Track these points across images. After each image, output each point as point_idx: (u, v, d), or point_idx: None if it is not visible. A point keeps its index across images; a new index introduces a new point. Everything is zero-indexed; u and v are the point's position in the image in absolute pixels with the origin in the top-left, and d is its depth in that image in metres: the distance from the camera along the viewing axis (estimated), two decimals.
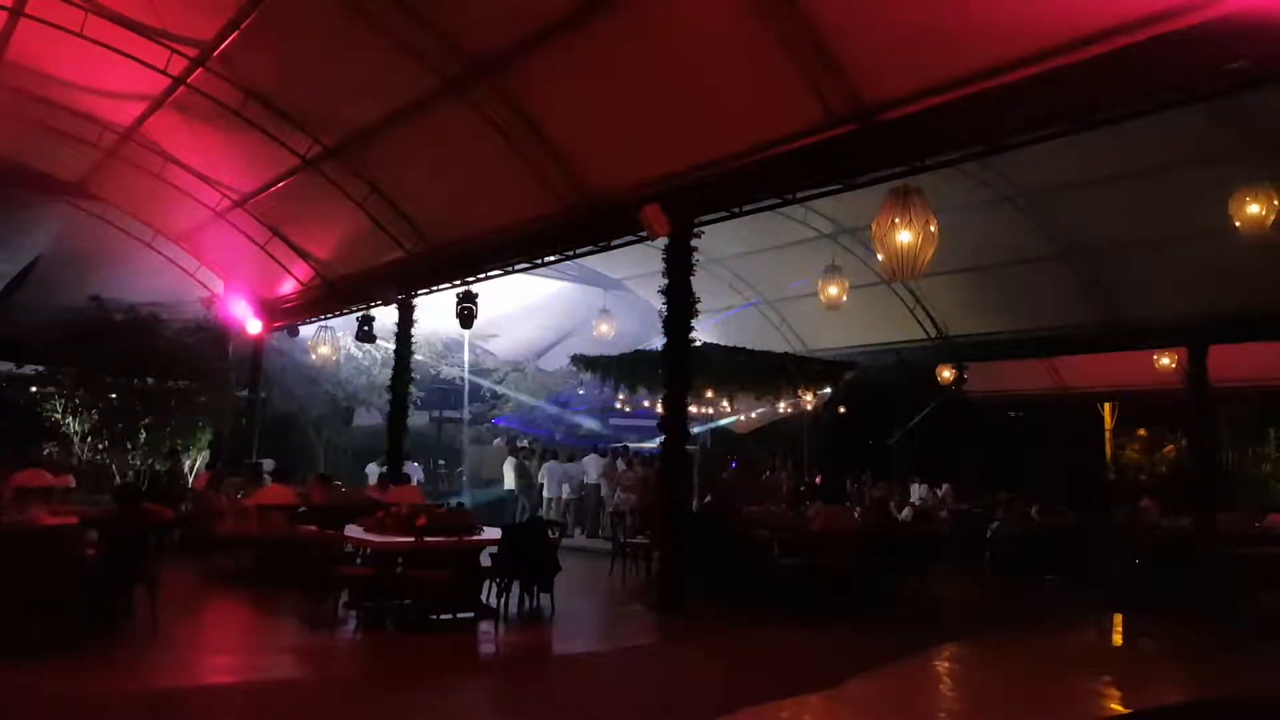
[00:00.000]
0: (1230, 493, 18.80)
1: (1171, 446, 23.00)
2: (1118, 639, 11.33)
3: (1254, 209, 10.72)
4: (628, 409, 19.39)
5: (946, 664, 9.18)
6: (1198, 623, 11.26)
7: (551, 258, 14.28)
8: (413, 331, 16.99)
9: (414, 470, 15.35)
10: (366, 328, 18.27)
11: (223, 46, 12.70)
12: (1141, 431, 23.78)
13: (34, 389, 19.45)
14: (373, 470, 19.09)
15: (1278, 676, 8.79)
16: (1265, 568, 12.84)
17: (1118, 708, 7.83)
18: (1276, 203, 10.72)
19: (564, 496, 19.70)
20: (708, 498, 14.96)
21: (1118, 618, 12.00)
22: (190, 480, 17.67)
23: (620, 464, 19.77)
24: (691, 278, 11.44)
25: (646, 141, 11.56)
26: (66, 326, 18.33)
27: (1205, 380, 15.75)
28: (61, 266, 19.22)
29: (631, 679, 8.29)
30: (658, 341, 11.89)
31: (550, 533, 10.64)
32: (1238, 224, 10.89)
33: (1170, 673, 9.32)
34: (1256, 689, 8.14)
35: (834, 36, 9.07)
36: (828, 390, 19.30)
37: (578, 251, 13.74)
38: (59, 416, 18.44)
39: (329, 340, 19.65)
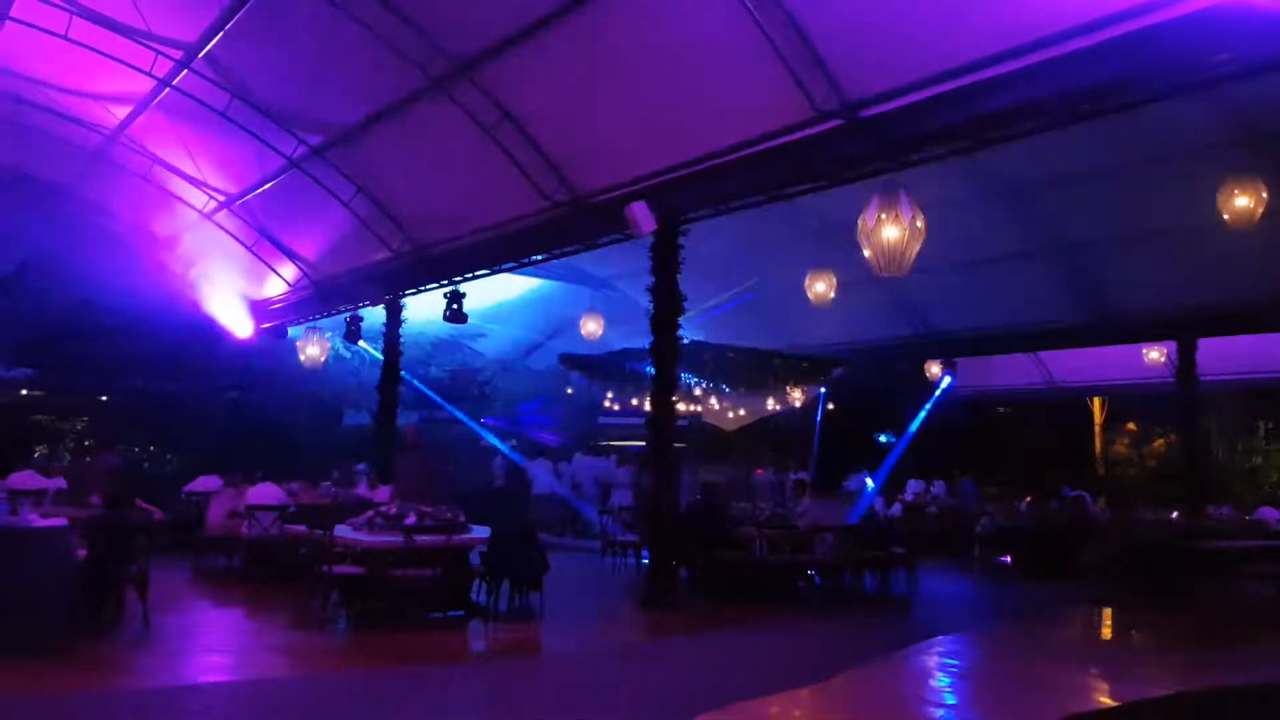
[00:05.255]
0: (1220, 486, 18.87)
1: (1160, 441, 23.07)
2: (1105, 632, 11.37)
3: (1242, 201, 10.71)
4: (616, 407, 19.38)
5: (935, 658, 9.20)
6: (1185, 615, 11.31)
7: (539, 257, 14.28)
8: (400, 331, 16.98)
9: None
10: (354, 328, 18.24)
11: (208, 48, 12.69)
12: (1130, 426, 23.85)
13: (23, 391, 19.40)
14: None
15: (1263, 669, 8.82)
16: (1253, 561, 12.90)
17: (1105, 700, 7.85)
18: (1265, 195, 10.74)
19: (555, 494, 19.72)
20: (697, 495, 14.96)
21: (1105, 611, 12.04)
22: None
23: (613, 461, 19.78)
24: (678, 275, 11.45)
25: (632, 139, 11.54)
26: (55, 329, 18.29)
27: (1194, 374, 15.80)
28: (49, 269, 19.15)
29: (621, 675, 8.29)
30: (645, 340, 11.89)
31: (539, 531, 10.65)
32: (1226, 217, 10.91)
33: (1157, 665, 9.35)
34: (1242, 681, 8.17)
35: (819, 31, 9.09)
36: (818, 387, 19.36)
37: (565, 250, 13.74)
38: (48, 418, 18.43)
39: (317, 341, 19.60)
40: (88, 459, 17.18)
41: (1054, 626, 11.42)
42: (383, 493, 12.59)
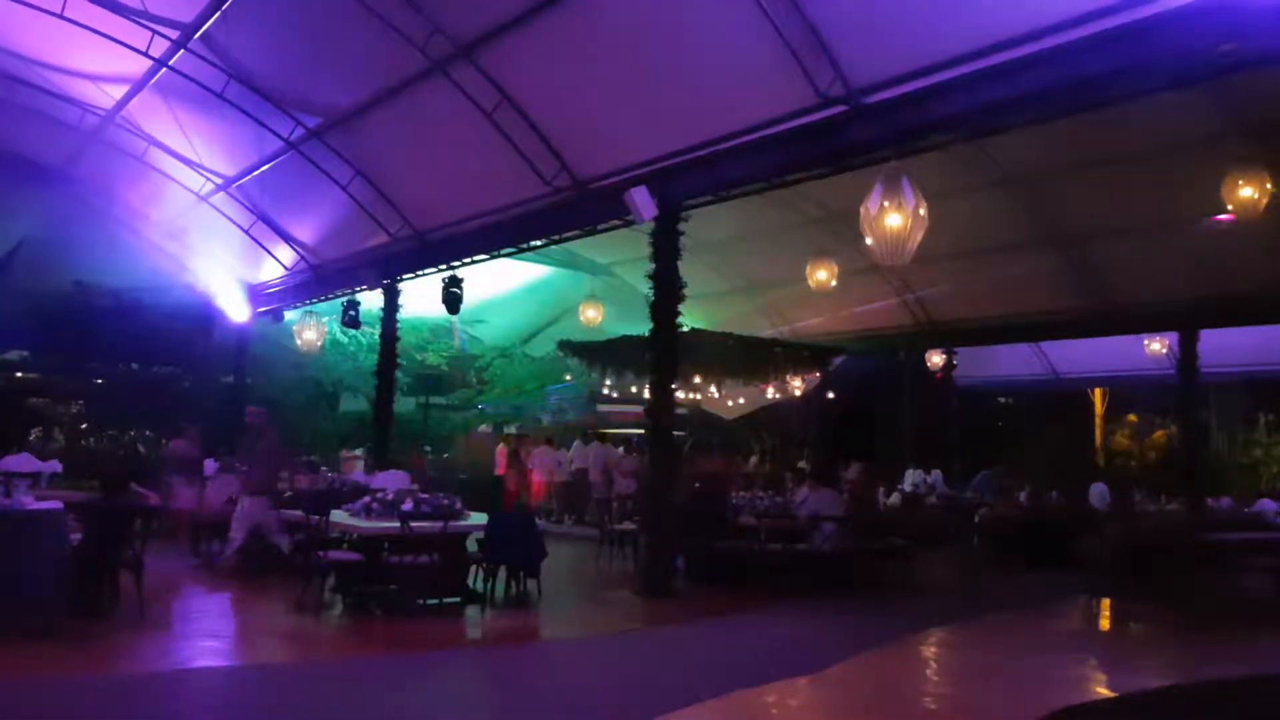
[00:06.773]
0: (1220, 478, 18.84)
1: (1161, 432, 23.03)
2: (1102, 623, 11.33)
3: (1246, 192, 10.65)
4: (615, 395, 19.31)
5: (933, 648, 9.17)
6: (1181, 608, 11.26)
7: (538, 242, 14.19)
8: (398, 317, 16.88)
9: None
10: (352, 313, 18.14)
11: (205, 28, 12.57)
12: (1131, 417, 23.81)
13: (18, 374, 19.33)
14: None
15: (1260, 662, 8.78)
16: (1251, 553, 12.85)
17: (1101, 691, 7.82)
18: (1269, 186, 10.66)
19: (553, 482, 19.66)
20: (696, 484, 14.90)
21: (1102, 603, 12.00)
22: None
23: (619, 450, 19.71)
24: (679, 262, 11.37)
25: (634, 124, 11.46)
26: (50, 312, 18.21)
27: (1195, 365, 15.75)
28: (44, 251, 19.05)
29: (619, 663, 8.24)
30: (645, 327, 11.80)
31: (537, 518, 10.58)
32: (1230, 208, 10.84)
33: (1154, 657, 9.31)
34: (1238, 673, 8.14)
35: (825, 17, 8.99)
36: (816, 376, 19.29)
37: (564, 236, 13.68)
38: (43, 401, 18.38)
39: (314, 325, 19.50)
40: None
41: (1052, 617, 11.38)
42: (380, 479, 12.48)
